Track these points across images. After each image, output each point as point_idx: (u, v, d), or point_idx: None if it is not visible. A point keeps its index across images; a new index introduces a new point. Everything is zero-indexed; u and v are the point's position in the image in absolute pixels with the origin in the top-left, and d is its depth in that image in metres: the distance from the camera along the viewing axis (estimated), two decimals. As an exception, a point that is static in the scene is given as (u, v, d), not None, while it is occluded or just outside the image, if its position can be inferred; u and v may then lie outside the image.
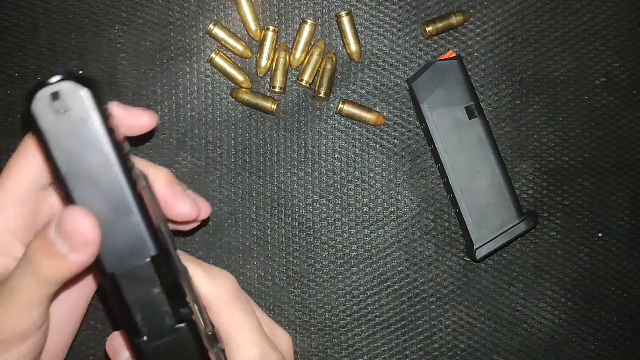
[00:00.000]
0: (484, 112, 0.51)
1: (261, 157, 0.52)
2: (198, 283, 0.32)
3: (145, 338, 0.28)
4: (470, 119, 0.50)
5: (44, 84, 0.28)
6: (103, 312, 0.51)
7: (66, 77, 0.28)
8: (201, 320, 0.30)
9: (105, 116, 0.28)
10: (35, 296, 0.28)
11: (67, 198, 0.27)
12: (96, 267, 0.28)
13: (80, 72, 0.47)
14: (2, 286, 0.29)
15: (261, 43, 0.51)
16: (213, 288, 0.32)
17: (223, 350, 0.32)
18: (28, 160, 0.32)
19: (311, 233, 0.52)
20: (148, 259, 0.28)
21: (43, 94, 0.27)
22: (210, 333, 0.31)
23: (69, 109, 0.27)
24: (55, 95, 0.27)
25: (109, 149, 0.27)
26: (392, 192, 0.53)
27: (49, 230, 0.27)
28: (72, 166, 0.27)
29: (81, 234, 0.27)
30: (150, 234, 0.28)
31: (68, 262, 0.27)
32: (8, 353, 0.29)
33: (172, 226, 0.36)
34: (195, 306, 0.30)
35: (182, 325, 0.28)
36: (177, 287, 0.29)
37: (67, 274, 0.28)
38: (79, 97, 0.27)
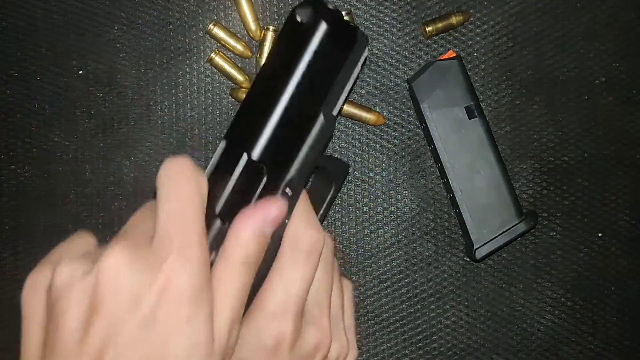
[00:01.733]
0: (484, 112, 0.51)
1: (261, 157, 0.52)
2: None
3: None
4: (470, 119, 0.50)
5: None
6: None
7: None
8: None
9: None
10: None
11: None
12: None
13: None
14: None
15: (261, 43, 0.51)
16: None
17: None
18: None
19: (311, 233, 0.52)
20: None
21: None
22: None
23: None
24: None
25: None
26: (392, 192, 0.53)
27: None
28: None
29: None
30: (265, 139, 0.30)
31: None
32: None
33: None
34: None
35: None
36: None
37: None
38: None
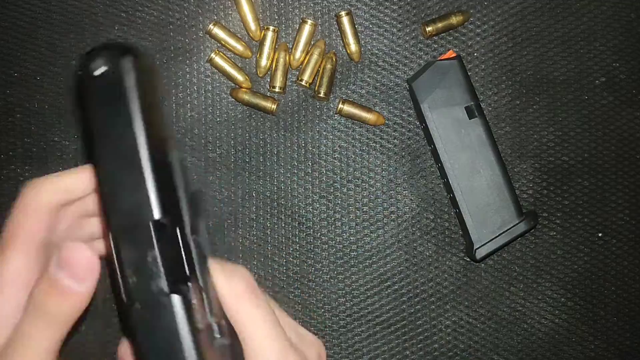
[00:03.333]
0: (484, 112, 0.51)
1: (261, 157, 0.52)
2: (212, 277, 0.32)
3: (135, 305, 0.27)
4: (470, 119, 0.50)
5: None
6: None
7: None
8: (205, 308, 0.30)
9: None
10: (47, 342, 0.28)
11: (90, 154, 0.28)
12: (105, 226, 0.28)
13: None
14: (5, 349, 0.29)
15: (261, 43, 0.51)
16: (227, 282, 0.31)
17: (231, 346, 0.32)
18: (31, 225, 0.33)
19: (311, 233, 0.52)
20: (150, 222, 0.27)
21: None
22: (214, 324, 0.30)
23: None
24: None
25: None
26: (392, 192, 0.53)
27: (50, 269, 0.28)
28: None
29: (83, 264, 0.28)
30: (158, 197, 0.27)
31: (75, 294, 0.28)
32: None
33: None
34: (203, 294, 0.29)
35: (175, 296, 0.27)
36: (177, 260, 0.28)
37: (76, 308, 0.28)
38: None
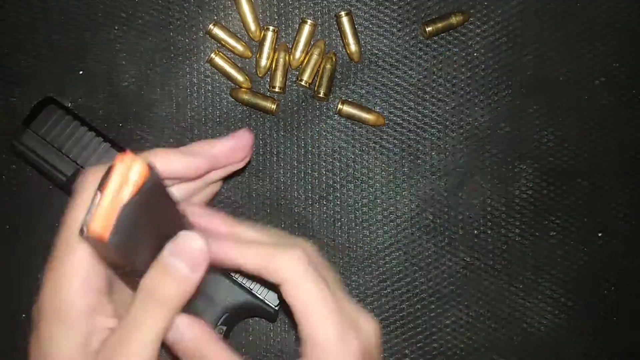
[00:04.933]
0: (483, 112, 0.51)
1: (261, 157, 0.52)
2: (269, 256, 0.32)
3: None
4: None
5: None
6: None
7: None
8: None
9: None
10: (158, 327, 0.29)
11: None
12: None
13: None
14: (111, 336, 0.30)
15: (261, 43, 0.51)
16: (285, 257, 0.31)
17: None
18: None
19: (311, 233, 0.52)
20: None
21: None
22: None
23: None
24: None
25: None
26: (391, 192, 0.53)
27: (164, 257, 0.29)
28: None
29: (197, 252, 0.29)
30: None
31: (189, 281, 0.29)
32: None
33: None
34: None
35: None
36: None
37: (187, 295, 0.29)
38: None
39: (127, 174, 0.26)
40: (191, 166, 0.36)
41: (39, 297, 0.31)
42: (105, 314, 0.31)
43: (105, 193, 0.26)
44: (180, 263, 0.29)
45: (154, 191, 0.27)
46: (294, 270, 0.31)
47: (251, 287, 0.46)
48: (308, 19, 0.51)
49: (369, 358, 0.33)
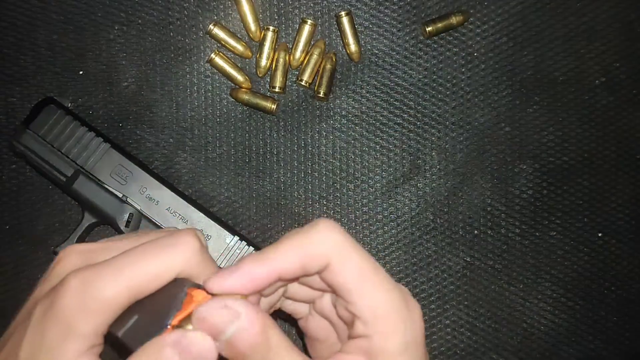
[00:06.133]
0: (483, 112, 0.51)
1: (261, 157, 0.52)
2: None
3: None
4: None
5: None
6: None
7: None
8: None
9: None
10: None
11: None
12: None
13: None
14: None
15: (261, 43, 0.51)
16: (348, 263, 0.28)
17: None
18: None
19: (311, 233, 0.52)
20: None
21: None
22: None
23: None
24: None
25: None
26: (391, 192, 0.53)
27: (165, 343, 0.26)
28: None
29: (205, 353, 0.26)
30: None
31: None
32: None
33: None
34: None
35: None
36: None
37: None
38: None
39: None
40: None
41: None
42: None
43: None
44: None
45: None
46: (334, 240, 0.28)
47: None
48: (308, 19, 0.51)
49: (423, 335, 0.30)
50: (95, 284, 0.26)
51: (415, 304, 0.29)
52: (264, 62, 0.51)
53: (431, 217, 0.53)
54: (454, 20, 0.52)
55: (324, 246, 0.28)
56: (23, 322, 0.27)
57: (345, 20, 0.51)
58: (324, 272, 0.28)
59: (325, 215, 0.52)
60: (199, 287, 0.28)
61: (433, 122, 0.53)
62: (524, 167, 0.53)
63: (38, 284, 0.29)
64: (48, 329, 0.26)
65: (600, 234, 0.54)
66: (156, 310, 0.27)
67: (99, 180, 0.48)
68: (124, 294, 0.26)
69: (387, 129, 0.53)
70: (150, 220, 0.48)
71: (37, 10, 0.52)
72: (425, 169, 0.53)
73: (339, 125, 0.52)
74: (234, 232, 0.48)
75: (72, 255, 0.28)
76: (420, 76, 0.53)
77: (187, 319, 0.26)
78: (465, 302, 0.53)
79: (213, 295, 0.27)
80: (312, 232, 0.28)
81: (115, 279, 0.26)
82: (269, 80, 0.52)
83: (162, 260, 0.27)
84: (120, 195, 0.48)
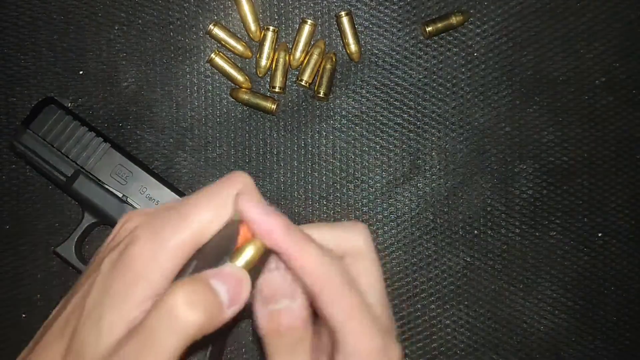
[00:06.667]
0: (483, 112, 0.51)
1: (261, 157, 0.52)
2: (302, 264, 0.28)
3: None
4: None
5: None
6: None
7: None
8: None
9: None
10: (172, 347, 0.26)
11: None
12: None
13: None
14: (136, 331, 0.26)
15: (261, 43, 0.51)
16: (322, 267, 0.28)
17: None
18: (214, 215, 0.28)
19: (311, 233, 0.52)
20: None
21: None
22: None
23: None
24: None
25: None
26: (391, 192, 0.53)
27: (207, 275, 0.26)
28: None
29: (243, 292, 0.27)
30: None
31: (223, 314, 0.26)
32: None
33: None
34: None
35: None
36: None
37: (214, 327, 0.26)
38: None
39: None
40: None
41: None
42: None
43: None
44: (222, 286, 0.26)
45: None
46: (365, 235, 0.32)
47: None
48: (308, 19, 0.51)
49: None
50: (164, 232, 0.27)
51: (396, 349, 0.30)
52: (264, 62, 0.51)
53: (431, 217, 0.53)
54: (454, 20, 0.52)
55: (355, 237, 0.33)
56: (91, 274, 0.28)
57: (345, 20, 0.51)
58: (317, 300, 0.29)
59: (325, 215, 0.52)
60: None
61: (433, 122, 0.53)
62: (524, 167, 0.53)
63: (104, 243, 0.30)
64: (117, 277, 0.27)
65: (600, 234, 0.54)
66: (213, 253, 0.27)
67: (99, 180, 0.48)
68: (190, 240, 0.27)
69: (387, 129, 0.53)
70: None
71: (38, 10, 0.52)
72: (425, 169, 0.53)
73: (339, 125, 0.52)
74: None
75: (136, 216, 0.29)
76: (420, 76, 0.53)
77: (237, 253, 0.27)
78: (465, 302, 0.53)
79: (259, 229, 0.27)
80: (347, 224, 0.32)
81: (183, 226, 0.27)
82: (269, 80, 0.52)
83: (222, 196, 0.28)
84: (120, 195, 0.48)
